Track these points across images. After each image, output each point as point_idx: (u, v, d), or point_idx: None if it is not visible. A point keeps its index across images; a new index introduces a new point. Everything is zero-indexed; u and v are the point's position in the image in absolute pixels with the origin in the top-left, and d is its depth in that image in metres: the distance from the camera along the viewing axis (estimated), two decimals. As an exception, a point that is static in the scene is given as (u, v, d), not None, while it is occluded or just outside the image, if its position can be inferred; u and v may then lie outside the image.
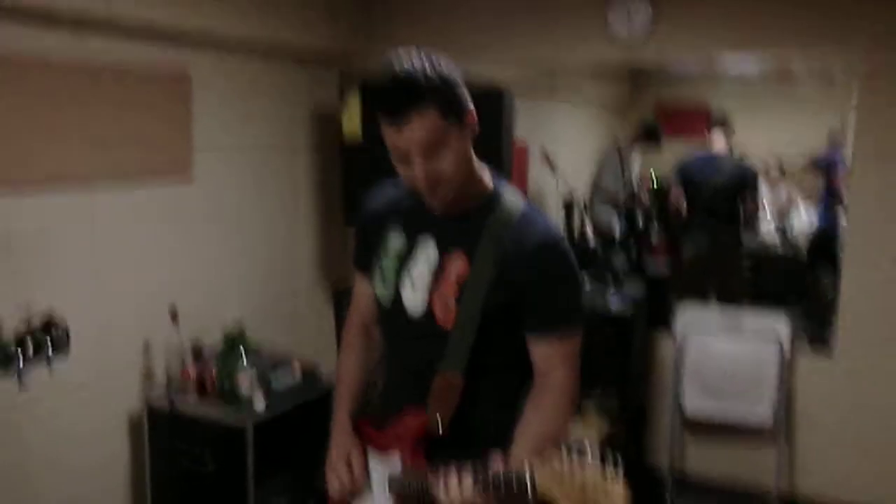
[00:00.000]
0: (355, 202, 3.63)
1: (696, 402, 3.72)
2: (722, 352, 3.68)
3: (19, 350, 1.75)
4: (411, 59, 1.47)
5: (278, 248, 3.80)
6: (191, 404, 2.96)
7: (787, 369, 3.59)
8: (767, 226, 5.94)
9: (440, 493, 1.42)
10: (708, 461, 3.88)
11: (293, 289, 3.92)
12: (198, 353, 3.17)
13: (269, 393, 2.99)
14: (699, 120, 6.78)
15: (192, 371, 3.00)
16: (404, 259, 1.64)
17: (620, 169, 5.66)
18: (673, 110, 7.12)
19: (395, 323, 1.66)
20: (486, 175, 1.63)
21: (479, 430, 1.60)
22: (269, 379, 3.08)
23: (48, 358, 1.80)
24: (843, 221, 4.94)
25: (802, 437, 3.70)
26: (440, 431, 1.55)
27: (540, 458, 1.28)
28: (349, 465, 1.67)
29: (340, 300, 3.52)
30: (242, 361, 2.97)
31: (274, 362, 3.23)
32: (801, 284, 5.82)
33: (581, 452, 1.26)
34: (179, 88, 3.12)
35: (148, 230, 3.09)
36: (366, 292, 1.77)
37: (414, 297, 1.61)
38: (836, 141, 5.68)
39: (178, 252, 3.24)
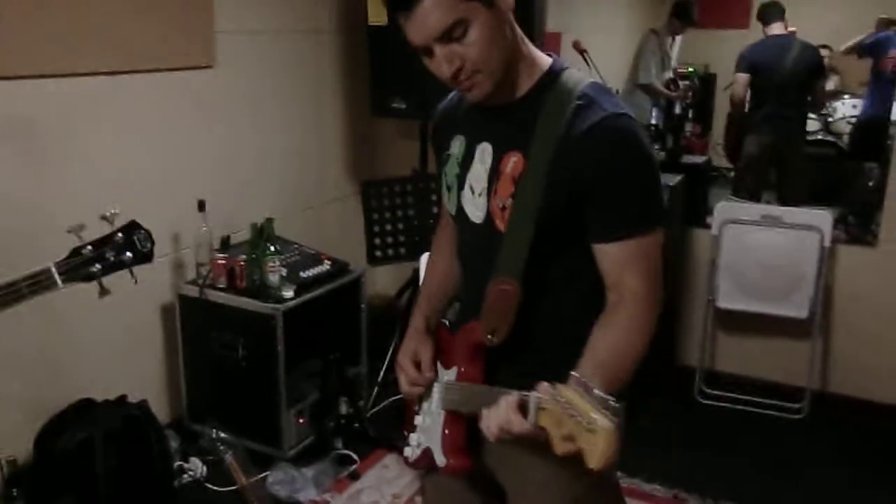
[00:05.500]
0: (382, 90, 3.53)
1: (730, 298, 3.65)
2: (760, 245, 3.58)
3: (98, 262, 1.71)
4: None
5: (306, 137, 3.72)
6: (221, 294, 2.96)
7: (827, 261, 3.49)
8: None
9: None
10: (740, 358, 3.83)
11: (321, 180, 3.86)
12: (226, 244, 3.15)
13: (297, 281, 2.97)
14: (740, 6, 6.45)
15: (221, 262, 2.98)
16: (463, 164, 1.52)
17: (660, 57, 5.44)
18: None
19: (460, 230, 1.59)
20: (538, 54, 1.46)
21: (542, 347, 1.48)
22: (297, 267, 3.06)
23: (131, 268, 1.76)
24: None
25: (839, 332, 3.63)
26: (491, 343, 1.43)
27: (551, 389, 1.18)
28: (416, 363, 1.62)
29: (368, 191, 3.45)
30: (271, 250, 2.95)
31: (301, 252, 3.20)
32: (843, 176, 5.60)
33: (587, 389, 1.15)
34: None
35: (171, 117, 3.02)
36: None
37: (474, 203, 1.50)
38: (885, 26, 5.37)
39: (203, 141, 3.18)
